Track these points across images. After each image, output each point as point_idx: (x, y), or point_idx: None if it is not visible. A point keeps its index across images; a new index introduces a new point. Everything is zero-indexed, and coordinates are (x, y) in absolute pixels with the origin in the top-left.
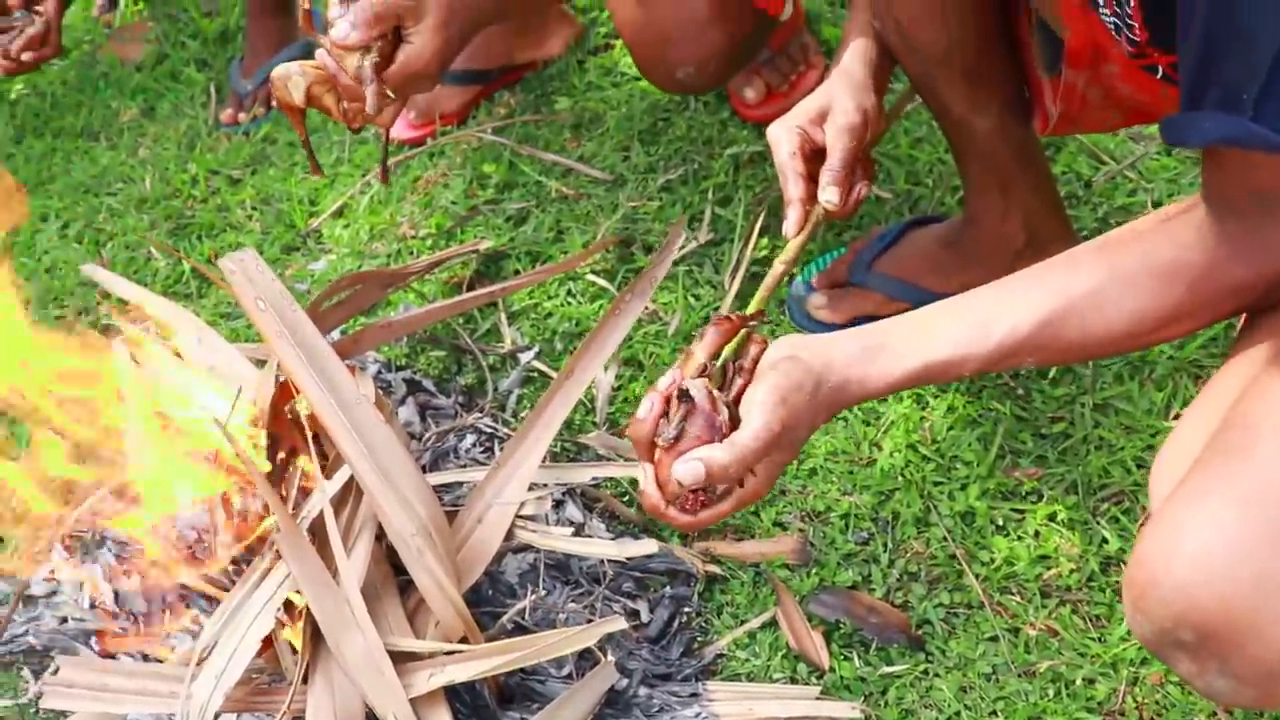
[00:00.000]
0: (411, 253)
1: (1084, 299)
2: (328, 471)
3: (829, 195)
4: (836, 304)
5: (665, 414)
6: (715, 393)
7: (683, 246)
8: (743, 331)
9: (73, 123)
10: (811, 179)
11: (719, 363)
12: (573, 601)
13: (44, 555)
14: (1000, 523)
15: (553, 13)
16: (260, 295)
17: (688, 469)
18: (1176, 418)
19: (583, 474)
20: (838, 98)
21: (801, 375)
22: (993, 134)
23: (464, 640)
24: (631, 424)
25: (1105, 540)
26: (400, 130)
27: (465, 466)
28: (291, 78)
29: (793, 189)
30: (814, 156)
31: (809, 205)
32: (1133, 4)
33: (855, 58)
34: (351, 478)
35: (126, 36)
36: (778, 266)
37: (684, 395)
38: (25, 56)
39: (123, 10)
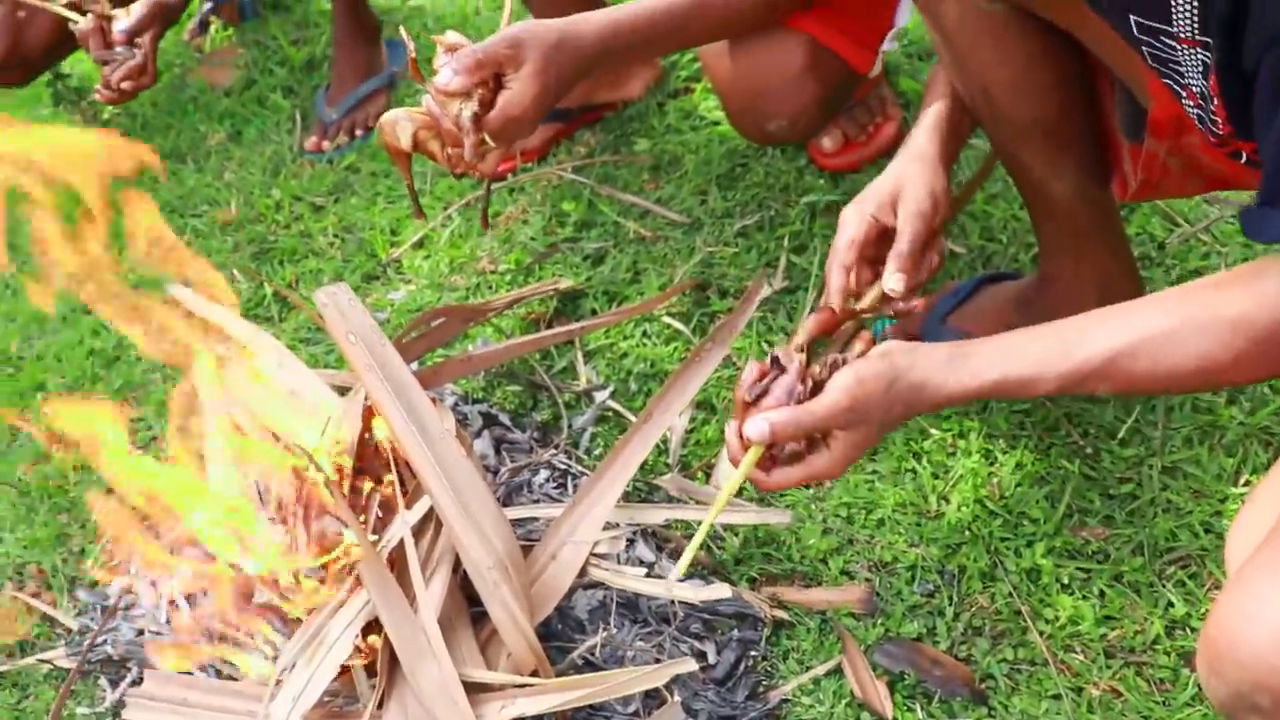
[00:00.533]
0: (490, 287)
1: (1158, 337)
2: (408, 501)
3: (893, 283)
4: None
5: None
6: (806, 369)
7: None
8: (851, 324)
9: (161, 144)
10: (877, 261)
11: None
12: (640, 640)
13: (123, 568)
14: (1066, 581)
15: None
16: (351, 329)
17: (754, 424)
18: (1246, 484)
19: (656, 515)
20: (910, 181)
21: (885, 366)
22: (1071, 196)
23: (535, 674)
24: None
25: (1171, 604)
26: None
27: (538, 501)
28: (399, 123)
29: (831, 283)
30: (883, 238)
31: (841, 305)
32: (1216, 103)
33: (930, 133)
34: (431, 508)
35: (216, 62)
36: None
37: (775, 362)
38: (125, 86)
39: (213, 36)
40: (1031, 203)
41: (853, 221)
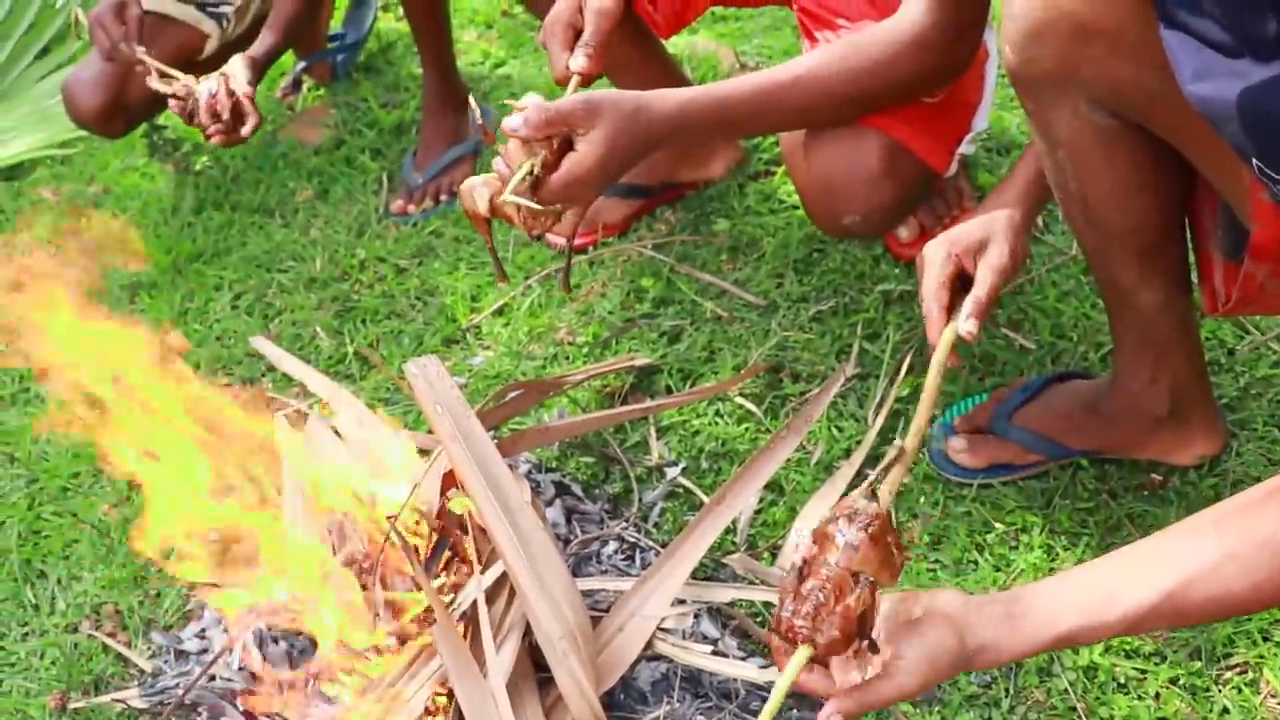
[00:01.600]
0: (567, 358)
1: (1203, 575)
2: (483, 568)
3: (970, 326)
4: (975, 450)
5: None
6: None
7: (827, 378)
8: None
9: (250, 198)
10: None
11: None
12: (701, 715)
13: (197, 613)
14: (1122, 681)
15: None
16: (438, 399)
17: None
18: None
19: (723, 594)
20: (998, 236)
21: (951, 639)
22: (1157, 307)
23: None
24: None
25: (1226, 710)
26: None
27: (606, 573)
28: (476, 189)
29: (932, 326)
30: (956, 281)
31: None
32: None
33: (1022, 196)
34: (504, 574)
35: (307, 120)
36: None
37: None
38: (243, 131)
39: (305, 95)
40: (1115, 309)
41: (941, 262)
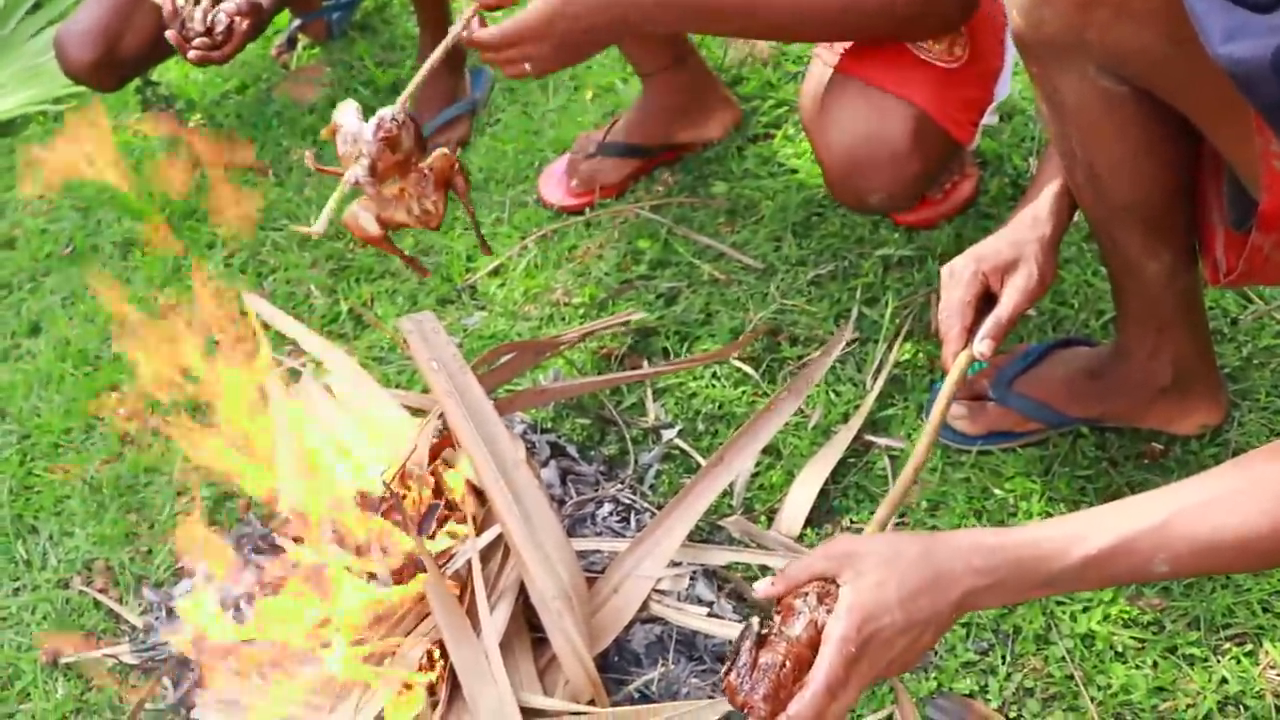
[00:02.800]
0: (564, 319)
1: (1195, 508)
2: (477, 528)
3: (983, 348)
4: (975, 417)
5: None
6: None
7: (825, 343)
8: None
9: (244, 156)
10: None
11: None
12: (695, 677)
13: (188, 571)
14: (1120, 649)
15: (715, 97)
16: (434, 356)
17: None
18: None
19: (720, 556)
20: (1028, 259)
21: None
22: (1161, 277)
23: (591, 703)
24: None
25: (1225, 680)
26: (560, 198)
27: (601, 534)
28: (358, 216)
29: (950, 344)
30: (981, 300)
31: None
32: None
33: (1052, 214)
34: (499, 534)
35: (301, 79)
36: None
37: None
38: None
39: (299, 53)
40: (1119, 278)
41: (966, 280)
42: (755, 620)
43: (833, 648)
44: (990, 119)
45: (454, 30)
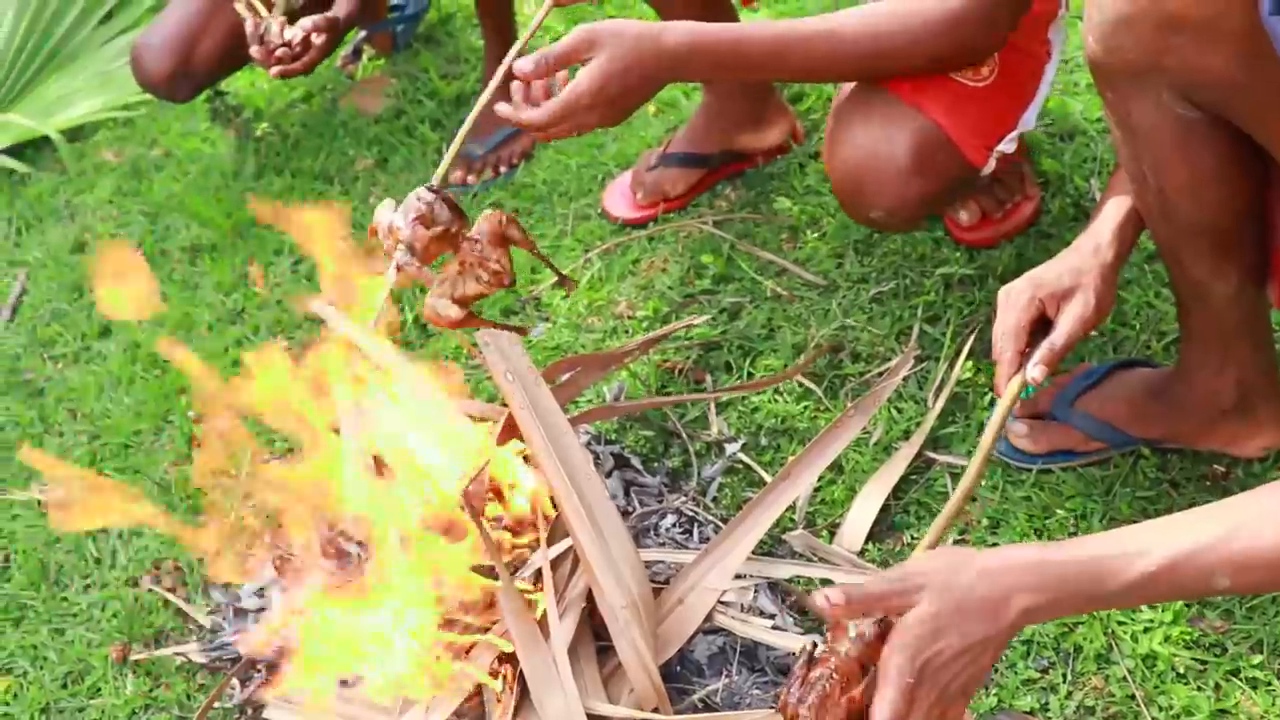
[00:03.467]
0: (627, 331)
1: (1251, 523)
2: (548, 537)
3: (1036, 374)
4: (1037, 435)
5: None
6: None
7: (887, 360)
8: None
9: (310, 165)
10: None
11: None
12: (757, 689)
13: (257, 571)
14: (1182, 670)
15: (772, 104)
16: (509, 368)
17: None
18: None
19: (784, 570)
20: (1086, 287)
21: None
22: (1228, 299)
23: (655, 710)
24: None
25: None
26: (625, 211)
27: (664, 545)
28: (436, 306)
29: (1003, 368)
30: (1036, 325)
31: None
32: None
33: (1114, 239)
34: (568, 544)
35: (367, 90)
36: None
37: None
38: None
39: (365, 64)
40: (1185, 299)
41: (1023, 304)
42: (811, 642)
43: (890, 681)
44: (1007, 146)
45: (505, 61)
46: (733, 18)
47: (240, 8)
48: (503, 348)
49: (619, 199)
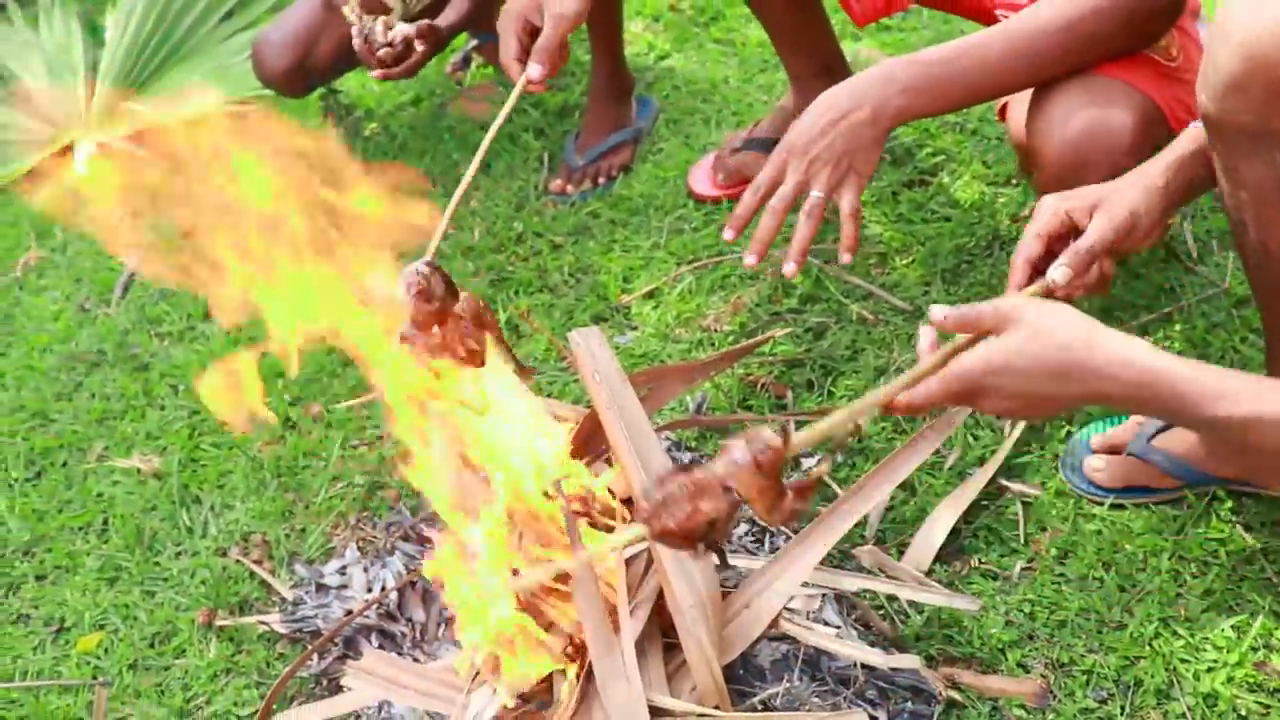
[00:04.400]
0: (713, 344)
1: None
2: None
3: (1057, 275)
4: (1112, 469)
5: None
6: None
7: None
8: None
9: (415, 165)
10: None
11: None
12: (817, 697)
13: (339, 551)
14: (1244, 713)
15: None
16: (598, 369)
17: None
18: None
19: (852, 583)
20: (1119, 194)
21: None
22: None
23: (716, 709)
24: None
25: None
26: (707, 189)
27: (735, 552)
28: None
29: (1011, 275)
30: (1069, 236)
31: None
32: None
33: (1165, 167)
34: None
35: (474, 96)
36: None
37: None
38: (385, 67)
39: (473, 71)
40: (1275, 347)
41: (1046, 214)
42: (693, 458)
43: (946, 378)
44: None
45: (511, 99)
46: (824, 17)
47: (346, 11)
48: (593, 349)
49: (702, 178)
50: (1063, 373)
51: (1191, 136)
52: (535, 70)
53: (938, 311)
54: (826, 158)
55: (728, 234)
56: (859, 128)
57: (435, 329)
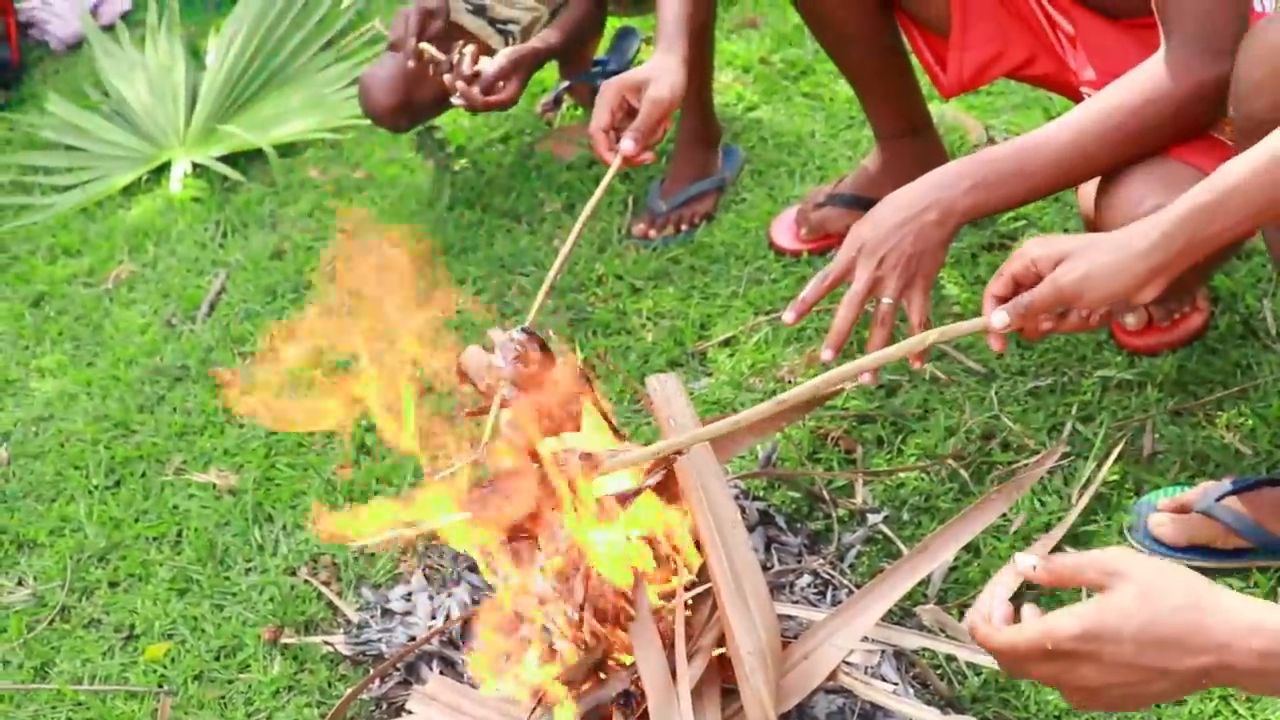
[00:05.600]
0: None
1: None
2: (689, 581)
3: (995, 320)
4: (1178, 526)
5: None
6: None
7: (1036, 453)
8: None
9: (501, 202)
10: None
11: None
12: None
13: (406, 577)
14: None
15: (937, 161)
16: (673, 414)
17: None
18: None
19: (913, 640)
20: (1087, 250)
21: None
22: None
23: None
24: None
25: None
26: (790, 242)
27: (797, 603)
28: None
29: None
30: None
31: None
32: None
33: (1152, 222)
34: (707, 588)
35: (563, 137)
36: None
37: None
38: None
39: (563, 112)
40: None
41: (1019, 257)
42: None
43: (1033, 635)
44: None
45: (609, 175)
46: (913, 78)
47: (424, 46)
48: (669, 394)
49: (784, 232)
50: (1177, 641)
51: (1205, 187)
52: (628, 145)
53: (1026, 561)
54: (895, 260)
55: (789, 316)
56: (928, 229)
57: (534, 393)
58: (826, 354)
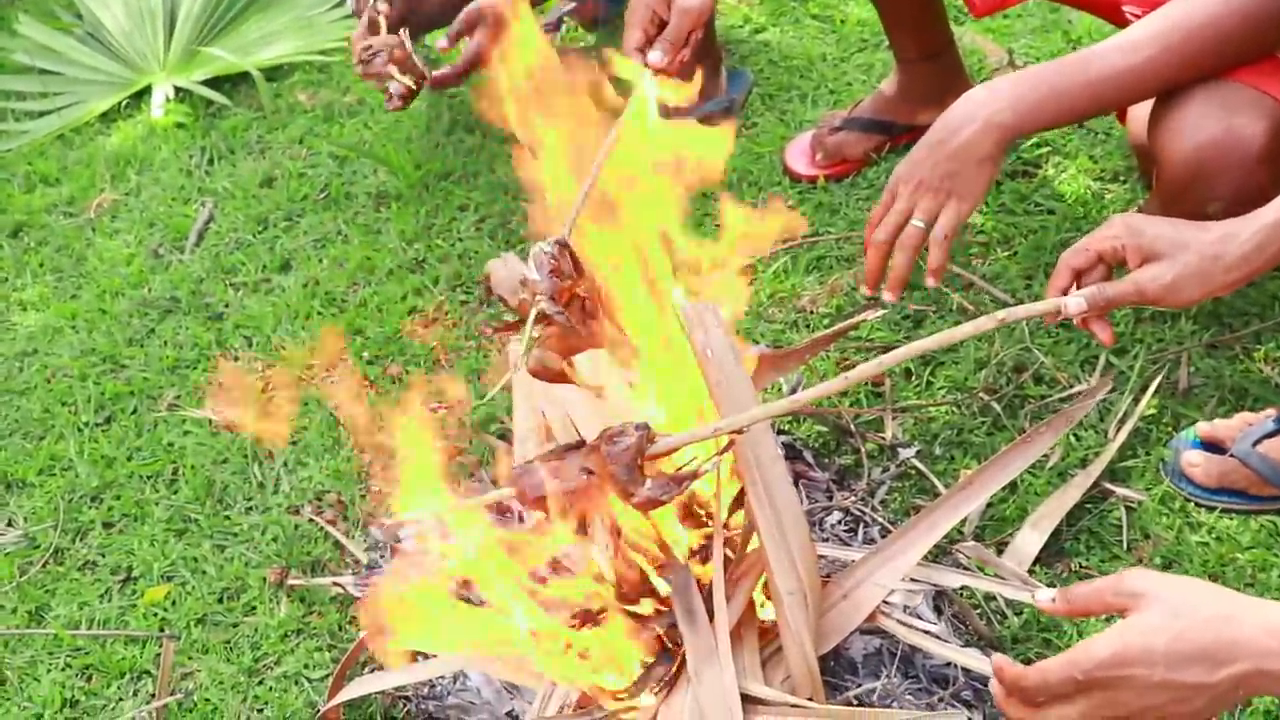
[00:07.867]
0: (808, 326)
1: None
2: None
3: (1071, 305)
4: (1210, 468)
5: None
6: None
7: (1069, 386)
8: None
9: (500, 130)
10: None
11: None
12: (910, 695)
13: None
14: None
15: (959, 84)
16: (709, 344)
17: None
18: None
19: (954, 579)
20: (1178, 254)
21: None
22: None
23: (809, 699)
24: None
25: None
26: (805, 168)
27: (827, 541)
28: (543, 359)
29: (1051, 285)
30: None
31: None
32: None
33: (1251, 229)
34: (746, 523)
35: (565, 59)
36: None
37: None
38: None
39: (564, 34)
40: None
41: (1107, 232)
42: None
43: (1066, 665)
44: None
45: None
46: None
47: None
48: (707, 323)
49: (799, 156)
50: (1210, 654)
51: None
52: (656, 55)
53: (1046, 595)
54: (930, 181)
55: (888, 296)
56: (964, 149)
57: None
58: (886, 294)
